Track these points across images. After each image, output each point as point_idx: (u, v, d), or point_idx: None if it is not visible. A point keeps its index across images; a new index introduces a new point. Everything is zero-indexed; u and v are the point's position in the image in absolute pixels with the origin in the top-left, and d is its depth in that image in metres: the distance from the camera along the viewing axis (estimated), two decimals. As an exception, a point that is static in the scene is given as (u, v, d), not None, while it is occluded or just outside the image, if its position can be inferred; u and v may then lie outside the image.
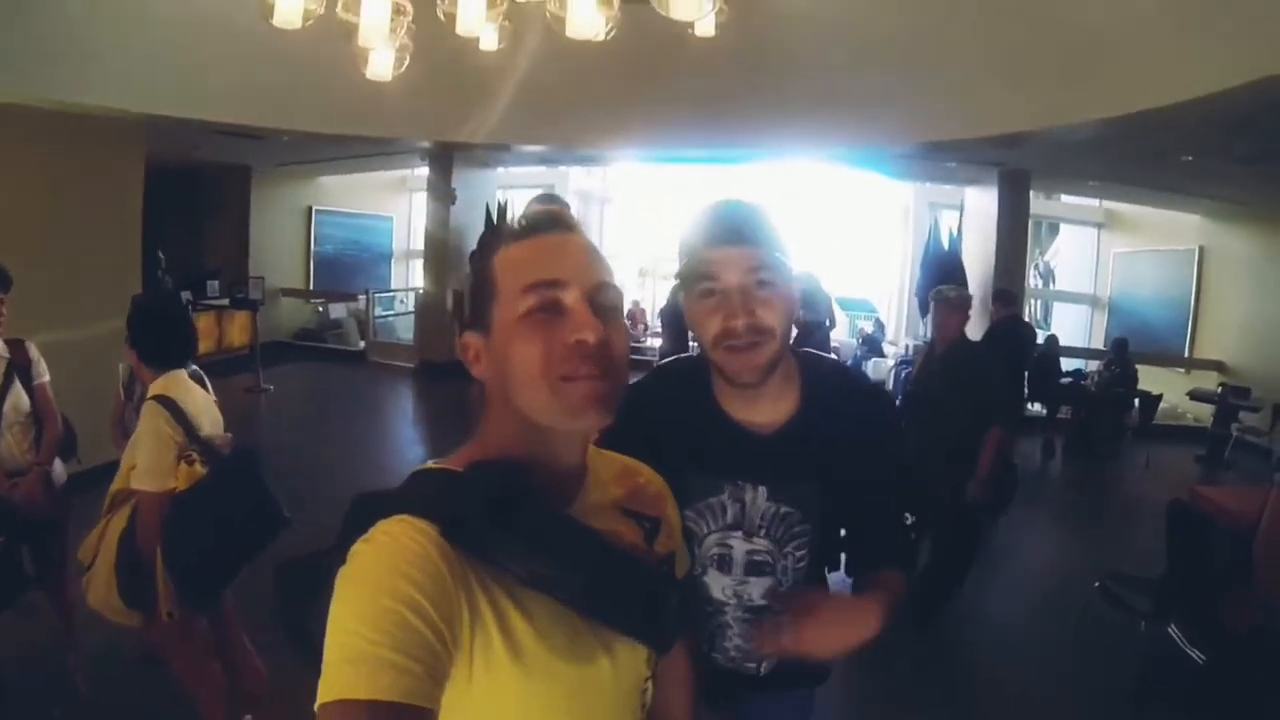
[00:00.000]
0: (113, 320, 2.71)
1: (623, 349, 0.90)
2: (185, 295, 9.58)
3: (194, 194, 11.66)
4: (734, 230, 1.23)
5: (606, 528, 0.93)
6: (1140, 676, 3.39)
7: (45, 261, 5.43)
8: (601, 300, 0.89)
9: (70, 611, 2.98)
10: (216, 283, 10.62)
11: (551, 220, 0.94)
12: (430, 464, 0.91)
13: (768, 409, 1.34)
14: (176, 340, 2.63)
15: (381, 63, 4.29)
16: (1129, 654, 3.49)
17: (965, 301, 4.17)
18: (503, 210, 8.98)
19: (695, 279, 1.25)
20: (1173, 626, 3.24)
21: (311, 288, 12.68)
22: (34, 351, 2.98)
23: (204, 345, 9.94)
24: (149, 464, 2.33)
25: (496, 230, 0.98)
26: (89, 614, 2.56)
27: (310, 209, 12.53)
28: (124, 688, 3.05)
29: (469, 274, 0.99)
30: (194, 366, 2.79)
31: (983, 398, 3.86)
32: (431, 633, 0.71)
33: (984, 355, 4.26)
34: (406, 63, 4.12)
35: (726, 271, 1.22)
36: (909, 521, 1.52)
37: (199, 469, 2.36)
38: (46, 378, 3.00)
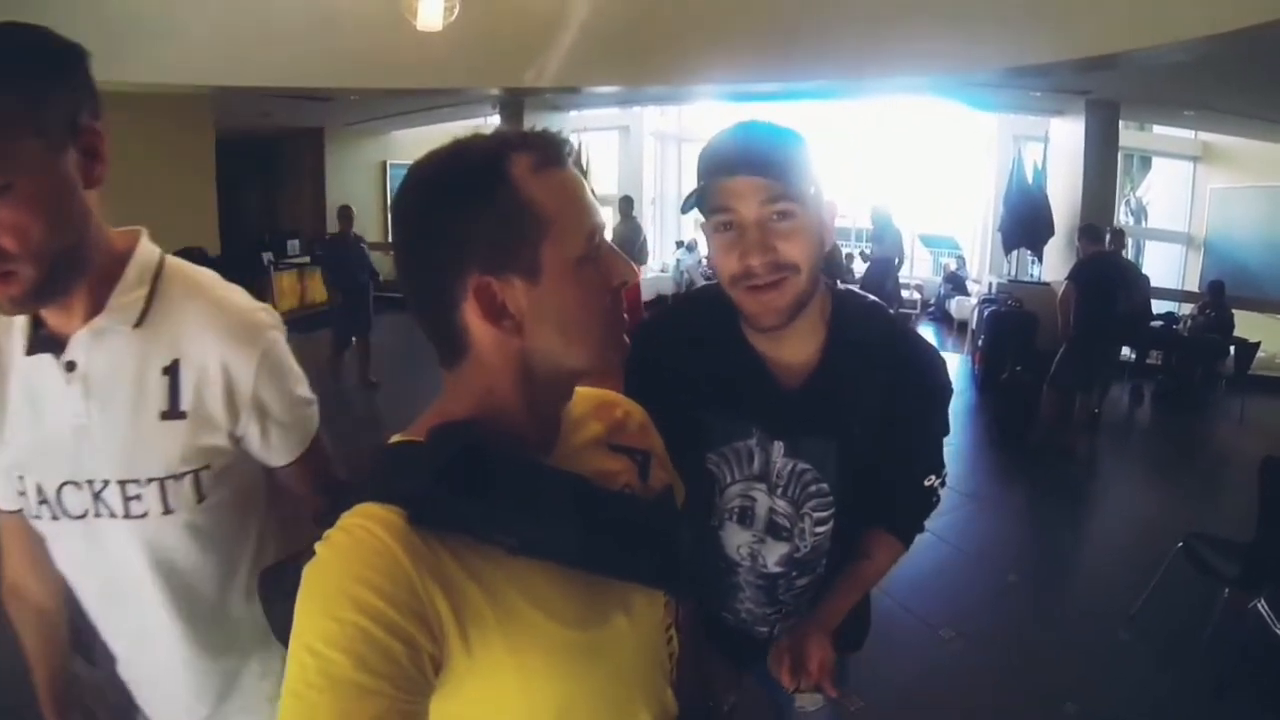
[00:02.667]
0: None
1: None
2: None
3: (269, 158, 12.02)
4: (749, 158, 1.08)
5: (596, 469, 0.85)
6: (1222, 657, 3.15)
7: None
8: None
9: None
10: (297, 241, 10.92)
11: (568, 149, 0.82)
12: (396, 436, 0.81)
13: (796, 347, 1.22)
14: None
15: (431, 12, 4.31)
16: (1213, 621, 3.22)
17: None
18: (576, 154, 8.98)
19: (711, 210, 1.13)
20: (1262, 603, 3.05)
21: (389, 240, 12.80)
22: None
23: (287, 303, 10.32)
24: None
25: (510, 143, 0.77)
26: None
27: (384, 163, 12.73)
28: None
29: (468, 195, 0.76)
30: None
31: None
32: (400, 642, 0.64)
33: None
34: (457, 11, 4.13)
35: (741, 203, 1.09)
36: (931, 482, 1.33)
37: None
38: None
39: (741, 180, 1.08)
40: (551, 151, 0.78)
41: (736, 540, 1.33)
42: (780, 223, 1.09)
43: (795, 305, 1.14)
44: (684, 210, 1.17)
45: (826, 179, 1.15)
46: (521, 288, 0.76)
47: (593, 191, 0.83)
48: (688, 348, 1.27)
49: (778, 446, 1.25)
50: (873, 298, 1.33)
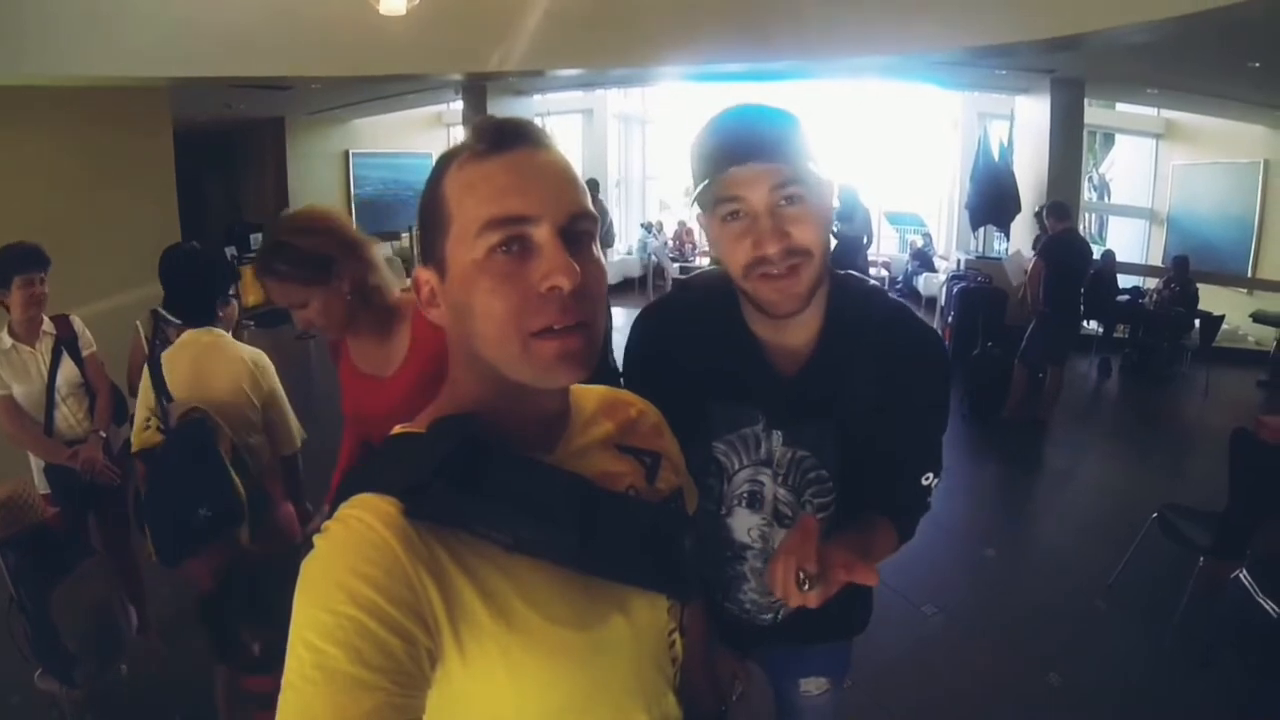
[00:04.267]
0: (156, 285, 2.73)
1: (601, 288, 0.78)
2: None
3: (230, 151, 11.83)
4: (753, 144, 1.03)
5: (599, 470, 0.84)
6: (1199, 626, 3.22)
7: (86, 237, 5.52)
8: (576, 230, 0.75)
9: (135, 573, 3.06)
10: (261, 234, 10.73)
11: (515, 133, 0.76)
12: (398, 428, 0.81)
13: (795, 332, 1.19)
14: (190, 296, 2.62)
15: (394, -4, 4.26)
16: (1189, 590, 3.28)
17: None
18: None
19: (715, 202, 1.08)
20: (1244, 573, 3.08)
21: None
22: (78, 325, 3.07)
23: (253, 298, 10.14)
24: (135, 424, 2.44)
25: (471, 134, 0.79)
26: (154, 574, 2.70)
27: (347, 153, 12.55)
28: (189, 643, 3.14)
29: (426, 185, 0.82)
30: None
31: None
32: (396, 636, 0.63)
33: None
34: (419, -4, 4.11)
35: (750, 191, 1.04)
36: (928, 482, 1.29)
37: (152, 435, 2.37)
38: (94, 348, 3.10)
39: (751, 168, 1.03)
40: (487, 140, 0.76)
41: (747, 524, 1.30)
42: (790, 207, 1.05)
43: (811, 289, 1.11)
44: (695, 204, 1.12)
45: (825, 157, 1.10)
46: (436, 280, 0.78)
47: (564, 179, 0.77)
48: (688, 336, 1.25)
49: (777, 434, 1.24)
50: (873, 281, 1.31)
